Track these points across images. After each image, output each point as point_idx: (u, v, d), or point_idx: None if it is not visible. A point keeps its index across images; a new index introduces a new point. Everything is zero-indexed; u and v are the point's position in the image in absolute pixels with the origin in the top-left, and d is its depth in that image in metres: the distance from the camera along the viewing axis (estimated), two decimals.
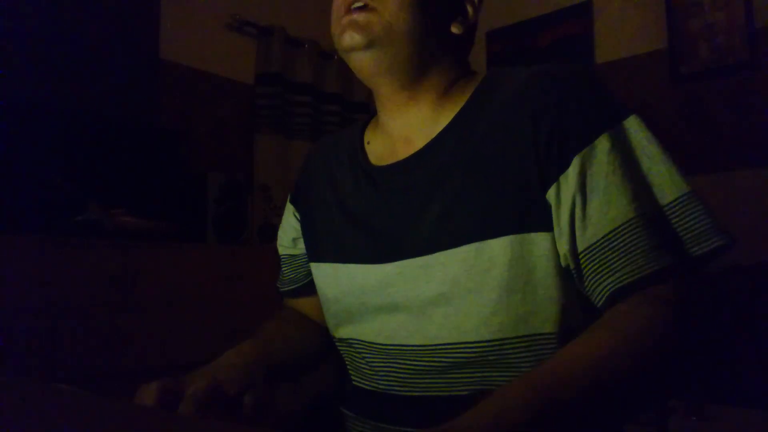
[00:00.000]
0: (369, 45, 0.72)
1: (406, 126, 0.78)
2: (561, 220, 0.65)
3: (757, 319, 1.58)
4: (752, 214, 1.94)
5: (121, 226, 1.68)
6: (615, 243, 0.62)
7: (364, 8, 0.72)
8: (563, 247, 0.65)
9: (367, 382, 0.78)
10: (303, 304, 0.92)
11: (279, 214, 0.97)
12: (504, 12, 2.67)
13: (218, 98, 2.46)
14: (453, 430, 0.48)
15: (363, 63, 0.74)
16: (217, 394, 0.65)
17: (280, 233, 0.94)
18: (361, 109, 2.94)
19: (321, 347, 0.89)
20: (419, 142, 0.76)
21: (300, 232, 0.89)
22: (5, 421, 0.45)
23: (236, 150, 2.51)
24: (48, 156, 1.69)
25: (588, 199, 0.64)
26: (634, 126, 0.67)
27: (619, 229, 0.62)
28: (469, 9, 0.78)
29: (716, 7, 2.15)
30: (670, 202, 0.63)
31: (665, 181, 0.64)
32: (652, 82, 2.27)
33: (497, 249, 0.66)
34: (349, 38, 0.72)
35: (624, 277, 0.61)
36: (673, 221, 0.63)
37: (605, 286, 0.63)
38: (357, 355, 0.80)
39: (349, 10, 0.73)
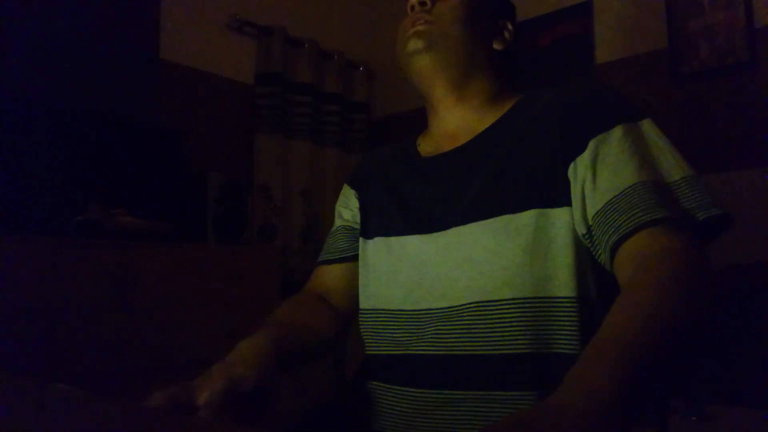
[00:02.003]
0: (428, 48, 0.87)
1: (453, 125, 0.91)
2: (575, 192, 0.75)
3: (757, 319, 1.58)
4: (752, 214, 1.94)
5: (121, 226, 1.68)
6: (618, 204, 0.70)
7: (424, 22, 0.88)
8: (576, 215, 0.74)
9: (394, 348, 0.84)
10: (338, 271, 1.00)
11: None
12: None
13: (218, 98, 2.46)
14: (549, 408, 0.48)
15: (422, 64, 0.88)
16: (232, 398, 0.65)
17: (340, 209, 1.05)
18: (361, 109, 2.94)
19: (335, 331, 0.95)
20: (463, 139, 0.89)
21: (359, 209, 1.01)
22: (5, 421, 0.45)
23: (236, 150, 2.51)
24: (48, 156, 1.69)
25: (598, 173, 0.74)
26: (648, 125, 0.78)
27: (623, 192, 0.71)
28: (506, 34, 0.95)
29: (716, 7, 2.14)
30: (676, 180, 0.73)
31: (672, 165, 0.74)
32: (652, 82, 2.27)
33: (524, 220, 0.76)
34: (413, 44, 0.88)
35: (621, 229, 0.69)
36: (677, 194, 0.72)
37: (608, 241, 0.70)
38: (382, 326, 0.87)
39: (413, 25, 0.89)
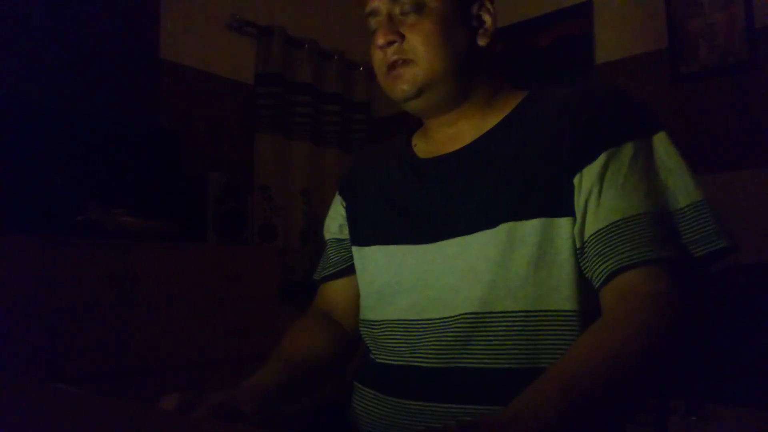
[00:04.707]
0: (419, 93, 0.81)
1: (454, 131, 0.86)
2: (578, 204, 0.73)
3: (757, 319, 1.58)
4: (752, 214, 1.94)
5: (121, 227, 1.68)
6: (622, 230, 0.70)
7: (402, 63, 0.80)
8: (575, 227, 0.72)
9: (393, 357, 0.82)
10: (340, 286, 0.97)
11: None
12: (504, 12, 2.66)
13: (218, 98, 2.46)
14: (492, 423, 0.53)
15: (418, 107, 0.84)
16: (230, 409, 0.67)
17: (328, 221, 1.01)
18: (361, 110, 2.94)
19: (342, 356, 0.93)
20: (464, 141, 0.84)
21: (346, 219, 0.97)
22: (5, 421, 0.45)
23: (236, 150, 2.51)
24: (48, 156, 1.69)
25: (604, 189, 0.72)
26: (659, 142, 0.75)
27: (628, 219, 0.70)
28: (487, 18, 0.84)
29: (716, 7, 2.14)
30: (682, 208, 0.71)
31: (679, 189, 0.72)
32: (652, 82, 2.26)
33: (529, 229, 0.74)
34: (401, 92, 0.81)
35: (625, 259, 0.68)
36: (681, 225, 0.71)
37: (606, 266, 0.70)
38: (383, 336, 0.84)
39: (390, 68, 0.81)
